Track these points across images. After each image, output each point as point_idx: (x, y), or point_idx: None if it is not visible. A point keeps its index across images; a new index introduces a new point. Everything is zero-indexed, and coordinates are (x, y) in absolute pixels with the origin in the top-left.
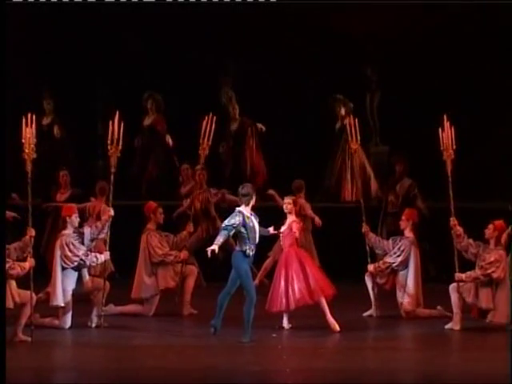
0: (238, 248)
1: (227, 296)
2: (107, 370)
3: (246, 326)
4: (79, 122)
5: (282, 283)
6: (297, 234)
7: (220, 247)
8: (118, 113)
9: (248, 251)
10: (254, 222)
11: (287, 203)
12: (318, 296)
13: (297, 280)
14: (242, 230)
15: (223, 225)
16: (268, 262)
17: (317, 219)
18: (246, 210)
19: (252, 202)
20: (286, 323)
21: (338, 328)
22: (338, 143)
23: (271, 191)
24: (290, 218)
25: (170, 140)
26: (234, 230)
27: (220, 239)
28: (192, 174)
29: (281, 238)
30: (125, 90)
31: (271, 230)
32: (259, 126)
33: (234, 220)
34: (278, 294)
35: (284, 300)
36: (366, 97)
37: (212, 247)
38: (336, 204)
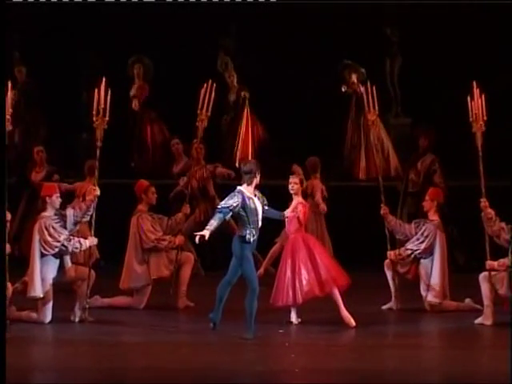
0: (238, 233)
1: (227, 287)
2: (92, 370)
3: (248, 321)
4: (60, 90)
5: (288, 274)
6: (301, 218)
7: (220, 231)
8: (104, 80)
9: (248, 236)
10: (257, 203)
11: (293, 183)
12: (330, 287)
13: (305, 270)
14: (242, 212)
15: (219, 206)
16: (275, 249)
17: (322, 206)
18: (247, 189)
19: (256, 181)
20: (294, 317)
21: (353, 323)
22: (350, 115)
23: (296, 167)
24: (296, 200)
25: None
26: (231, 213)
27: (214, 223)
28: (184, 150)
29: (286, 223)
30: (114, 56)
31: (286, 213)
32: (243, 93)
33: (231, 201)
34: (283, 286)
35: (291, 293)
36: (385, 62)
37: (202, 232)
38: (350, 183)
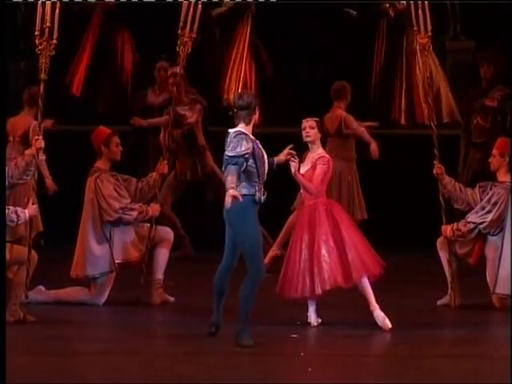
0: (243, 191)
1: (226, 274)
2: None
3: (242, 319)
4: None
5: (305, 254)
6: (322, 176)
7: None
8: None
9: (258, 195)
10: (262, 149)
11: (308, 127)
12: (359, 276)
13: (325, 250)
14: (251, 162)
15: (228, 156)
16: (292, 219)
17: (374, 145)
18: (248, 130)
19: (255, 119)
20: (313, 317)
21: (389, 324)
22: (377, 42)
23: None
24: (315, 152)
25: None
26: (244, 165)
27: (234, 179)
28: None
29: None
30: None
31: (302, 169)
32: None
33: (243, 146)
34: (296, 271)
35: (308, 281)
36: None
37: (234, 192)
38: (389, 130)
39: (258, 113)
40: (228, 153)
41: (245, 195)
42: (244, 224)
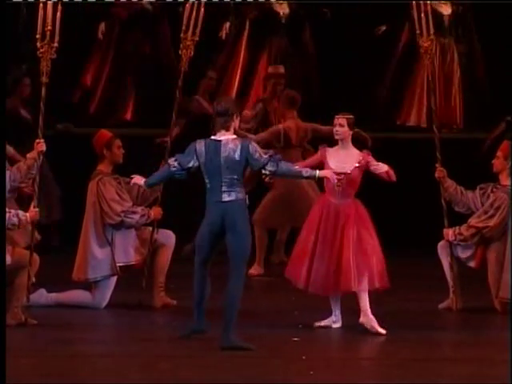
0: (240, 196)
1: (204, 274)
2: None
3: (230, 321)
4: None
5: (337, 246)
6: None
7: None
8: None
9: (247, 200)
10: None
11: (338, 125)
12: (374, 285)
13: (350, 249)
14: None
15: (266, 156)
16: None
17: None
18: (225, 136)
19: (234, 125)
20: (337, 318)
21: (380, 330)
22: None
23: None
24: (349, 149)
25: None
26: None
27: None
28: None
29: (336, 181)
30: None
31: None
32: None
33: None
34: (323, 268)
35: (331, 277)
36: None
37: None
38: (390, 133)
39: (237, 120)
40: (262, 155)
41: (243, 199)
42: (244, 228)
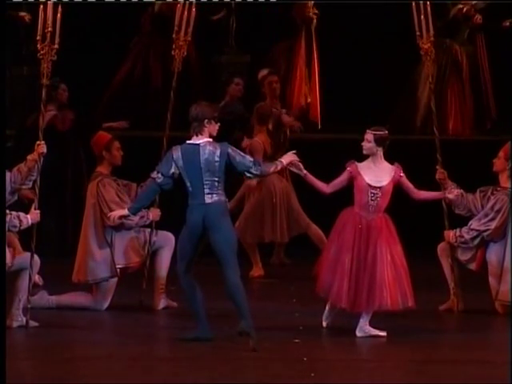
0: (223, 198)
1: (190, 282)
2: None
3: (245, 313)
4: None
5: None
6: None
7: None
8: None
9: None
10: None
11: (365, 140)
12: (406, 305)
13: (384, 266)
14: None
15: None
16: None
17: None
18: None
19: (209, 130)
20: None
21: (379, 333)
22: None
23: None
24: (381, 163)
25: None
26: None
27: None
28: None
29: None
30: None
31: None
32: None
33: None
34: (365, 283)
35: (364, 293)
36: None
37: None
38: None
39: (212, 125)
40: (245, 156)
41: (224, 201)
42: (227, 224)
